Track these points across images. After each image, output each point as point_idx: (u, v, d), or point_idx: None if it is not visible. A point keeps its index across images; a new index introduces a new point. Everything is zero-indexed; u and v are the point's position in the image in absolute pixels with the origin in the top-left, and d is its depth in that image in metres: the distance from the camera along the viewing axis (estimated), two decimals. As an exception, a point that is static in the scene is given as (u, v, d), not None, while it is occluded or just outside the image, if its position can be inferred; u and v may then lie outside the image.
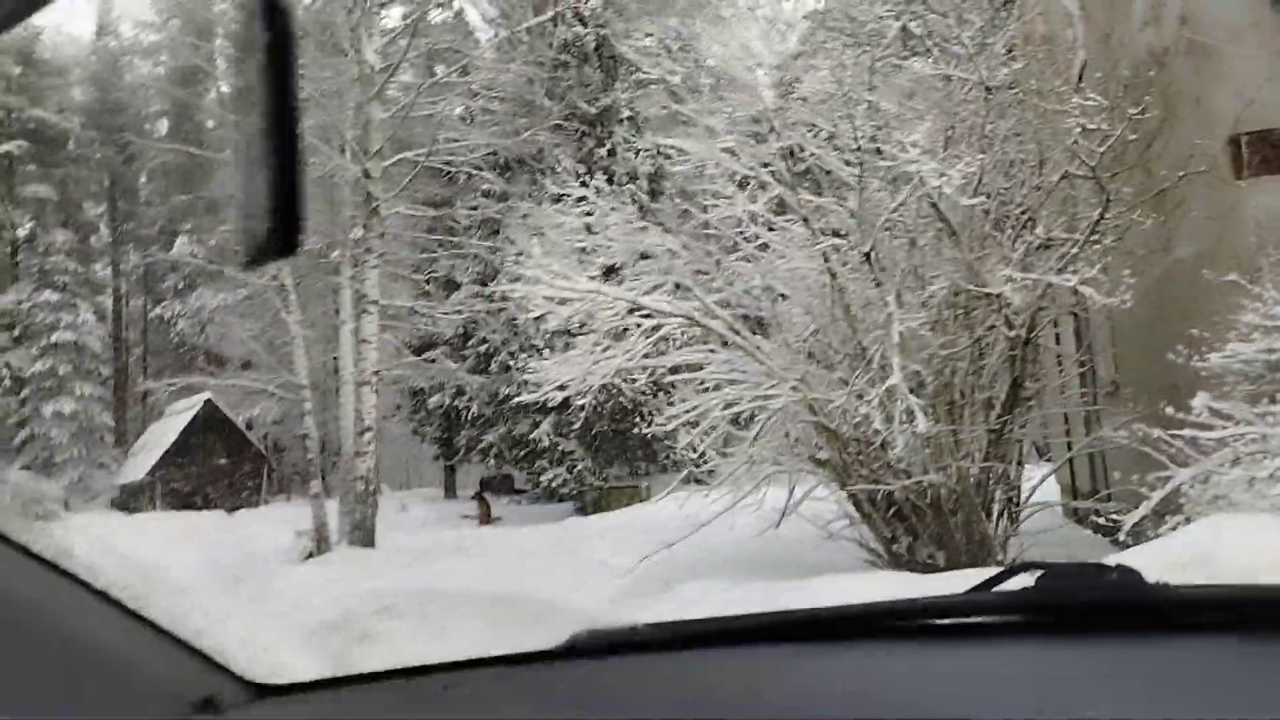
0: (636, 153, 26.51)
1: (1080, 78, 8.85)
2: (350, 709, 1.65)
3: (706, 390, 9.30)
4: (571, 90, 26.43)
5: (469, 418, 28.50)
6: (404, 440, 36.41)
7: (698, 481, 25.44)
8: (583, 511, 25.01)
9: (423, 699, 1.65)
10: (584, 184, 9.55)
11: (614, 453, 26.35)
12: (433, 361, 22.84)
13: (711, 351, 9.13)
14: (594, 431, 25.54)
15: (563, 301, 8.64)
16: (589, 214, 9.13)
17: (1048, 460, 13.12)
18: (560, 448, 26.00)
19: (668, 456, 26.62)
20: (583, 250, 9.00)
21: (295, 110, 0.72)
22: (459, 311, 23.25)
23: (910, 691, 1.40)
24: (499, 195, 27.43)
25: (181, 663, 1.53)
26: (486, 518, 27.06)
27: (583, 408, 17.99)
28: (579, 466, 25.73)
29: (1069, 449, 11.50)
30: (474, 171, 25.80)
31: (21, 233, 32.60)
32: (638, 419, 23.72)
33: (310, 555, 19.94)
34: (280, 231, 0.74)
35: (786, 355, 8.70)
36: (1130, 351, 8.96)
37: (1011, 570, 1.69)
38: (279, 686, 1.65)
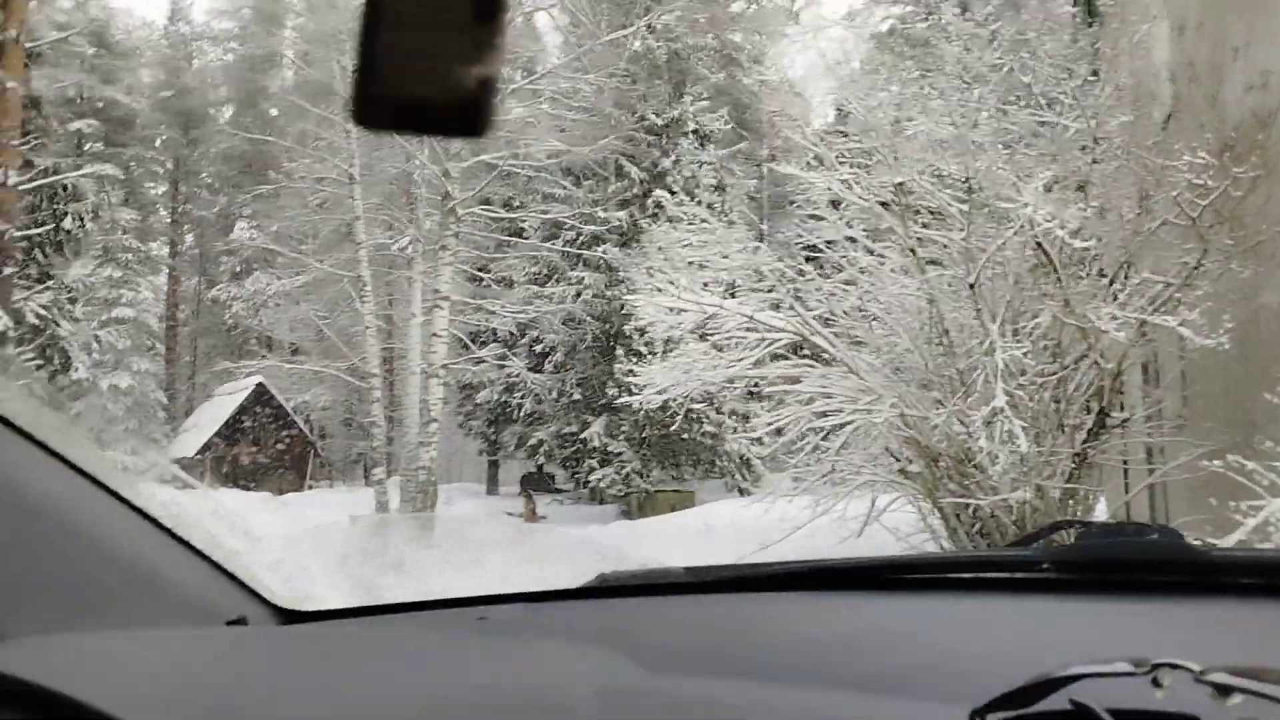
0: (700, 165, 27.19)
1: (1164, 128, 9.43)
2: (381, 634, 1.64)
3: (802, 402, 9.91)
4: (640, 101, 27.03)
5: (520, 414, 29.10)
6: (448, 433, 37.17)
7: (741, 491, 25.91)
8: (628, 514, 25.55)
9: (457, 627, 1.67)
10: (710, 205, 10.16)
11: (661, 456, 26.94)
12: (502, 359, 23.42)
13: (810, 366, 9.76)
14: (644, 434, 26.18)
15: (679, 312, 9.30)
16: (704, 231, 9.76)
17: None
18: (609, 448, 26.57)
19: (713, 463, 27.27)
20: (697, 265, 9.63)
21: None
22: (523, 311, 23.88)
23: (940, 639, 1.40)
24: (562, 199, 28.13)
25: (216, 584, 1.56)
26: (532, 515, 27.70)
27: (638, 410, 18.80)
28: (627, 469, 26.28)
29: (1125, 477, 12.02)
30: (540, 174, 26.41)
31: (88, 209, 33.43)
32: (688, 425, 24.51)
33: (372, 538, 20.64)
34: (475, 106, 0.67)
35: (883, 373, 9.32)
36: (1203, 389, 9.48)
37: (1053, 527, 1.70)
38: (309, 613, 1.67)
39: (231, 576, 1.58)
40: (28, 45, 17.28)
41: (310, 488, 37.88)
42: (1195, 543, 1.45)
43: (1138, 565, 1.50)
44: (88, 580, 1.35)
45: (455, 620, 1.71)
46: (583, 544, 16.33)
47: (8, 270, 16.45)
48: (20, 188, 16.94)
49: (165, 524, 1.50)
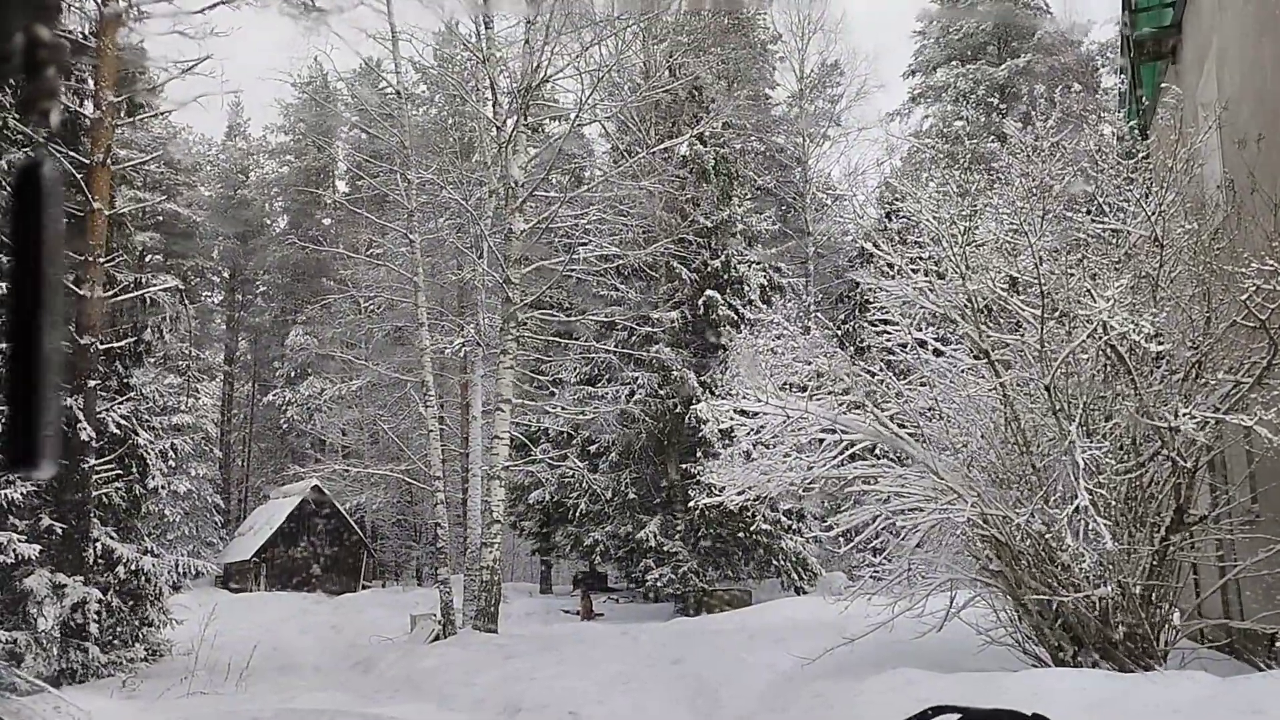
0: (749, 265, 27.76)
1: (1214, 235, 9.78)
2: None
3: (881, 501, 10.19)
4: (690, 204, 27.66)
5: (575, 515, 29.32)
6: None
7: (797, 590, 25.83)
8: (684, 612, 25.58)
9: None
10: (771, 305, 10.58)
11: (717, 555, 27.05)
12: (562, 459, 23.79)
13: (888, 466, 10.06)
14: (699, 534, 26.36)
15: (755, 415, 9.67)
16: (778, 337, 10.17)
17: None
18: (665, 548, 26.69)
19: (769, 562, 27.30)
20: (774, 369, 10.01)
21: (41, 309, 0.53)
22: (580, 412, 24.30)
23: None
24: (614, 300, 28.69)
25: None
26: (589, 613, 27.83)
27: (693, 510, 19.11)
28: (683, 568, 26.36)
29: (1195, 573, 12.10)
30: (592, 278, 27.00)
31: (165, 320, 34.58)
32: (744, 524, 24.68)
33: (437, 637, 20.79)
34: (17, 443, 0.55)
35: (961, 473, 9.59)
36: (1275, 485, 9.67)
37: (936, 711, 1.70)
38: None
39: None
40: (113, 168, 18.17)
41: (364, 588, 38.14)
42: None
43: None
44: None
45: None
46: (677, 636, 16.54)
47: (92, 383, 17.09)
48: (106, 302, 17.69)
49: None
